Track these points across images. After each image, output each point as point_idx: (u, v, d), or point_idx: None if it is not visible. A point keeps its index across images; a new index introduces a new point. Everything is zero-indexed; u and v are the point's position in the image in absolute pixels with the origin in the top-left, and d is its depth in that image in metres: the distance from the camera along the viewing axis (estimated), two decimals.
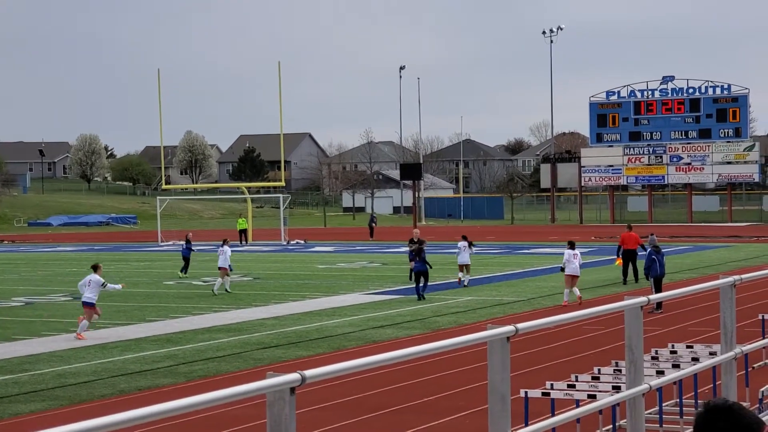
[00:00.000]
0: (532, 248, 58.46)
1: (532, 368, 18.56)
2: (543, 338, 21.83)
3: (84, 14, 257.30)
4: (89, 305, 24.81)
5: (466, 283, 35.76)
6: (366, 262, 49.65)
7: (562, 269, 30.88)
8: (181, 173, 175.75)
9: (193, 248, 43.23)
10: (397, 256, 51.98)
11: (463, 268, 36.33)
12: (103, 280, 25.39)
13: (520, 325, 6.49)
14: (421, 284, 32.08)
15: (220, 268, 35.14)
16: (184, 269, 41.79)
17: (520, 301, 31.25)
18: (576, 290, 30.03)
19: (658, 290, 27.82)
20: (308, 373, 4.72)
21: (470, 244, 36.57)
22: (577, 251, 31.07)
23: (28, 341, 24.00)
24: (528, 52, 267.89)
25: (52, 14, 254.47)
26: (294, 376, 4.67)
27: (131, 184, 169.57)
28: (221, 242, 36.71)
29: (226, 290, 34.53)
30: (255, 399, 5.21)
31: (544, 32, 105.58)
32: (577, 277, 30.51)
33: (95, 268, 25.88)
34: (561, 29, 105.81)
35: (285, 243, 67.98)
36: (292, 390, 4.66)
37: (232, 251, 36.28)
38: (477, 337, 6.22)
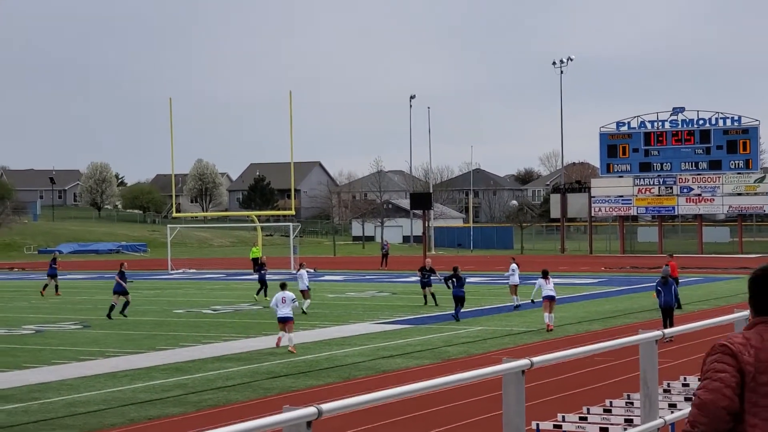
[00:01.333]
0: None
1: (542, 399, 18.46)
2: (553, 369, 21.71)
3: (96, 43, 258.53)
4: (287, 320, 27.28)
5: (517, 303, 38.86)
6: (376, 291, 49.59)
7: (533, 301, 33.43)
8: (192, 201, 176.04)
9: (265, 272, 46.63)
10: (407, 286, 51.93)
11: (515, 290, 39.32)
12: (294, 296, 28.40)
13: (535, 359, 6.46)
14: (458, 308, 34.65)
15: (302, 291, 37.43)
16: (263, 291, 44.18)
17: (530, 332, 31.15)
18: (551, 316, 31.48)
19: (665, 319, 28.95)
20: (325, 406, 4.70)
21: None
22: (549, 279, 32.49)
23: (38, 369, 23.97)
24: (538, 82, 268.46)
25: (64, 42, 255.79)
26: (311, 410, 4.65)
27: (141, 212, 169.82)
28: (299, 266, 40.41)
29: (303, 311, 36.24)
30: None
31: (554, 63, 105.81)
32: (554, 300, 31.95)
33: (283, 286, 28.43)
34: (571, 60, 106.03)
35: (295, 272, 67.81)
36: (309, 423, 4.63)
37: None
38: (492, 371, 6.20)
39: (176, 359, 25.50)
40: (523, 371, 6.33)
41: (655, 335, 8.11)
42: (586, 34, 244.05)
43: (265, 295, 43.14)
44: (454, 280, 35.34)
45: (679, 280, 38.88)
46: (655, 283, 30.34)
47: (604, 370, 22.59)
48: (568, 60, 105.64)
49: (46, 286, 49.62)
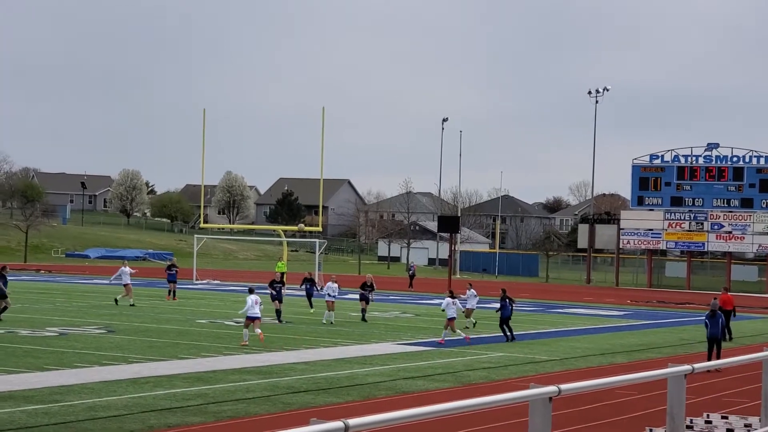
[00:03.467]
0: (567, 308, 58.08)
1: (564, 429, 18.34)
2: (574, 400, 21.58)
3: (134, 51, 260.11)
4: (256, 318, 32.04)
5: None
6: (399, 312, 49.51)
7: (443, 310, 35.52)
8: (219, 213, 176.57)
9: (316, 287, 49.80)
10: (430, 308, 51.82)
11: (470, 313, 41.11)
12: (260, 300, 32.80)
13: (563, 386, 6.41)
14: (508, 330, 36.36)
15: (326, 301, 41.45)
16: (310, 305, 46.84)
17: (552, 361, 30.99)
18: (458, 330, 34.95)
19: (710, 350, 30.24)
20: (352, 421, 4.67)
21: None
22: (456, 300, 35.94)
23: (60, 372, 24.03)
24: (572, 110, 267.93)
25: (101, 50, 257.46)
26: (338, 424, 4.62)
27: (169, 221, 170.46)
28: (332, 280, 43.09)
29: (331, 322, 40.30)
30: None
31: (589, 92, 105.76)
32: (455, 318, 34.96)
33: (252, 291, 33.17)
34: (607, 90, 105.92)
35: (318, 289, 67.90)
36: None
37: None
38: (520, 396, 6.15)
39: (198, 369, 25.52)
40: (550, 398, 6.27)
41: (684, 369, 8.04)
42: (623, 65, 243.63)
43: (311, 307, 46.56)
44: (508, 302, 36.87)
45: (736, 312, 41.16)
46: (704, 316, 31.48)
47: (627, 403, 22.43)
48: (603, 90, 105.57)
49: (169, 292, 50.66)
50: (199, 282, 69.24)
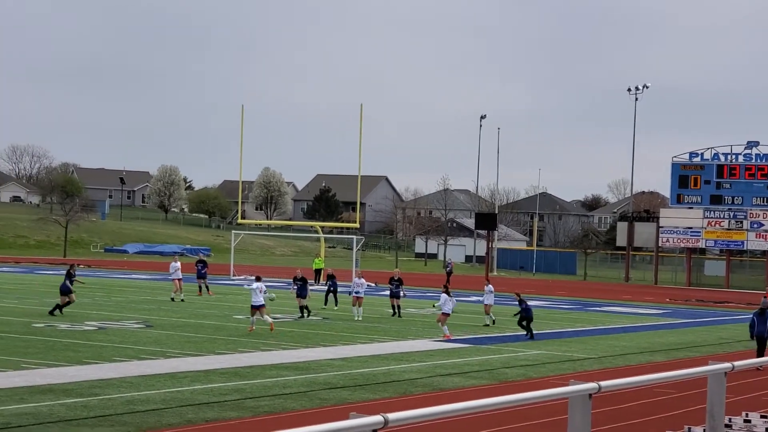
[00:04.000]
0: (605, 306, 57.80)
1: (602, 427, 18.25)
2: (612, 398, 21.48)
3: (173, 48, 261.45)
4: (261, 306, 33.93)
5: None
6: (436, 309, 49.38)
7: (433, 306, 37.24)
8: (257, 209, 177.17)
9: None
10: (468, 305, 51.73)
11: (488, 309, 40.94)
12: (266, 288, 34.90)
13: (603, 383, 6.36)
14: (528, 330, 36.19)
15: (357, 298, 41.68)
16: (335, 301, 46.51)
17: (590, 359, 30.85)
18: (445, 327, 34.76)
19: (760, 349, 29.71)
20: (391, 416, 4.65)
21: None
22: (452, 296, 36.30)
23: (100, 365, 24.18)
24: (611, 108, 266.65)
25: (140, 46, 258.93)
26: (377, 418, 4.61)
27: (207, 216, 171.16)
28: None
29: (359, 318, 40.64)
30: None
31: (629, 89, 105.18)
32: (449, 314, 35.41)
33: (258, 279, 35.70)
34: (647, 87, 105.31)
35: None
36: None
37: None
38: (560, 392, 6.11)
39: (235, 364, 25.60)
40: (590, 395, 6.23)
41: (725, 367, 7.97)
42: (664, 62, 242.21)
43: (336, 305, 45.87)
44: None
45: None
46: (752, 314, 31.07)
47: (666, 402, 22.30)
48: (643, 87, 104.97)
49: (199, 287, 50.39)
50: (237, 277, 69.43)
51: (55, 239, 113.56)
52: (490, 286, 41.73)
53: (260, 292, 34.00)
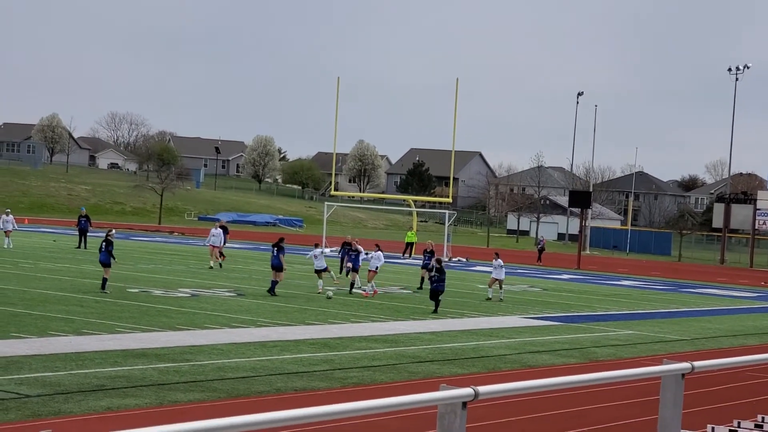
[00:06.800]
0: (699, 288, 57.01)
1: (693, 409, 18.00)
2: (704, 379, 21.19)
3: (271, 19, 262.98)
4: (323, 270, 37.24)
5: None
6: (527, 286, 49.21)
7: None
8: (350, 181, 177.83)
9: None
10: (559, 283, 51.44)
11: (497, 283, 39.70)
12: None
13: (696, 363, 6.25)
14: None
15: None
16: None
17: (682, 341, 30.46)
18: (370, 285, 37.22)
19: None
20: (482, 389, 4.61)
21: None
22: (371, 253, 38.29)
23: (191, 332, 24.48)
24: (711, 88, 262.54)
25: (238, 18, 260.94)
26: (467, 390, 4.58)
27: (300, 187, 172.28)
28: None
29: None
30: (410, 411, 5.11)
31: (729, 69, 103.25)
32: (376, 272, 37.85)
33: (317, 245, 39.15)
34: (747, 67, 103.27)
35: (447, 260, 67.93)
36: (464, 404, 4.56)
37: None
38: (652, 371, 6.01)
39: (325, 335, 25.74)
40: (683, 375, 6.12)
41: None
42: (766, 42, 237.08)
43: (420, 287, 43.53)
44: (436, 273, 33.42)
45: None
46: None
47: (758, 385, 21.93)
48: (744, 67, 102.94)
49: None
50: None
51: (150, 206, 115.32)
52: (500, 260, 39.71)
53: (319, 255, 37.38)
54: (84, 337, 22.41)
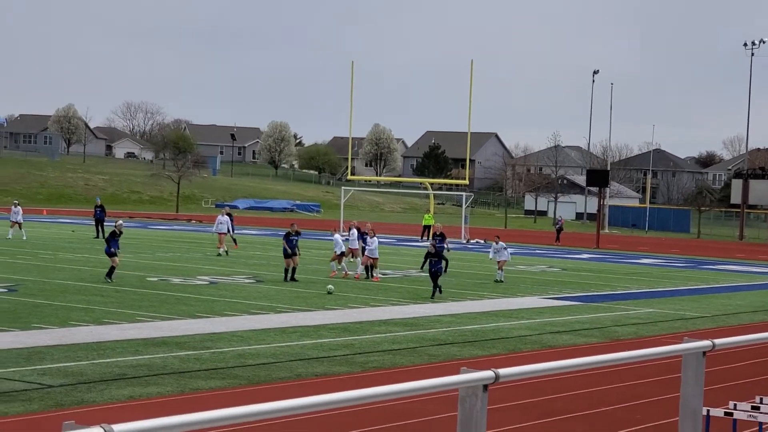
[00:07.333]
0: (719, 264, 56.85)
1: (714, 386, 17.95)
2: (726, 356, 21.13)
3: (284, 5, 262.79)
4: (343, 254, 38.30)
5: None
6: (546, 266, 49.13)
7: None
8: (366, 165, 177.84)
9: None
10: (578, 263, 51.35)
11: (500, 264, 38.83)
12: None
13: (717, 341, 6.22)
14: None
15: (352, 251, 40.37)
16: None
17: (703, 318, 30.39)
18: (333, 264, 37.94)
19: None
20: (502, 371, 4.60)
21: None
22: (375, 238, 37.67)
23: (211, 319, 24.54)
24: (727, 63, 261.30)
25: (252, 4, 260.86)
26: (488, 373, 4.56)
27: (317, 172, 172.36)
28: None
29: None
30: (431, 394, 5.10)
31: (745, 44, 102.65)
32: (342, 256, 38.27)
33: (335, 230, 40.16)
34: (763, 42, 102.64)
35: (465, 242, 67.89)
36: (485, 387, 4.55)
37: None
38: (673, 350, 5.99)
39: (345, 320, 25.76)
40: (704, 352, 6.10)
41: None
42: None
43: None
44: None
45: None
46: None
47: None
48: (760, 42, 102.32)
49: (234, 240, 48.61)
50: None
51: (167, 195, 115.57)
52: (501, 243, 39.08)
53: (341, 241, 38.69)
54: (105, 327, 22.50)
